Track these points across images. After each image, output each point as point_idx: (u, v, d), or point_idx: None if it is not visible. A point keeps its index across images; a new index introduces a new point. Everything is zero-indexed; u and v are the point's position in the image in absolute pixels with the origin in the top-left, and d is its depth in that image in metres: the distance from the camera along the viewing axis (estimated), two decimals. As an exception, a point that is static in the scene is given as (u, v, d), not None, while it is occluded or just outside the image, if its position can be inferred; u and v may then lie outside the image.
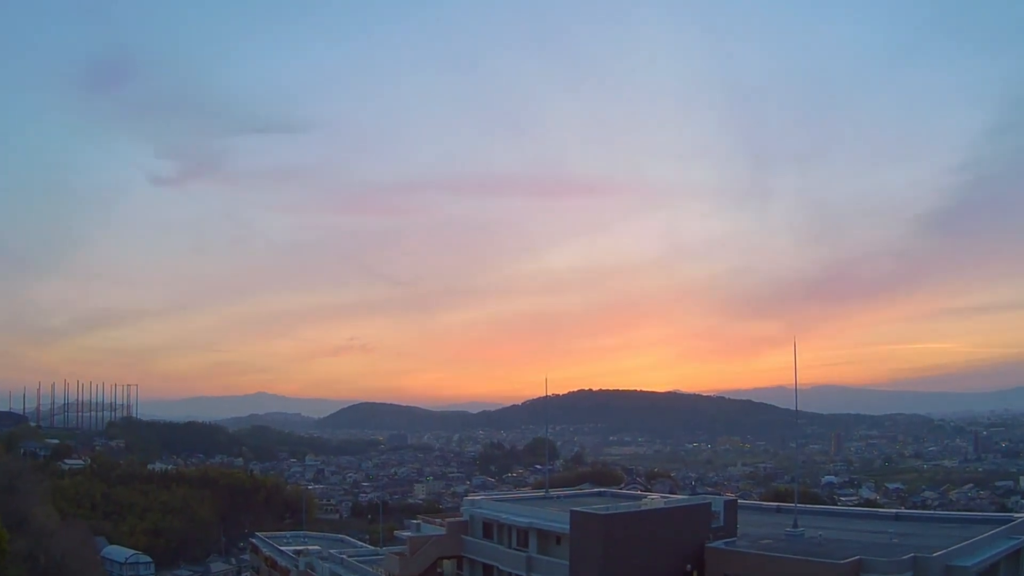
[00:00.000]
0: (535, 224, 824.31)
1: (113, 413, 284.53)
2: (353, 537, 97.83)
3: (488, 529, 49.07)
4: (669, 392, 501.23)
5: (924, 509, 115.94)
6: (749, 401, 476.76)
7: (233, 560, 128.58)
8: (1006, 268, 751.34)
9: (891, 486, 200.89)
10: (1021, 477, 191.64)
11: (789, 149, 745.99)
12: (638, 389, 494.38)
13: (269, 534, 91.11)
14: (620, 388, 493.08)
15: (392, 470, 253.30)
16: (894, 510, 65.71)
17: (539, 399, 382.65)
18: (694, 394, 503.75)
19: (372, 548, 77.79)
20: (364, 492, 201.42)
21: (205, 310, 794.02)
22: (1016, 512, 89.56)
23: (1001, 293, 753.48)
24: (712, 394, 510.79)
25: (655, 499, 49.21)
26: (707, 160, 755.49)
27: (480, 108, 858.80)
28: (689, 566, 36.95)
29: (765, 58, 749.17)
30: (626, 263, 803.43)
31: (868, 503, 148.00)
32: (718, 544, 38.17)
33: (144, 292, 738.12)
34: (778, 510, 53.70)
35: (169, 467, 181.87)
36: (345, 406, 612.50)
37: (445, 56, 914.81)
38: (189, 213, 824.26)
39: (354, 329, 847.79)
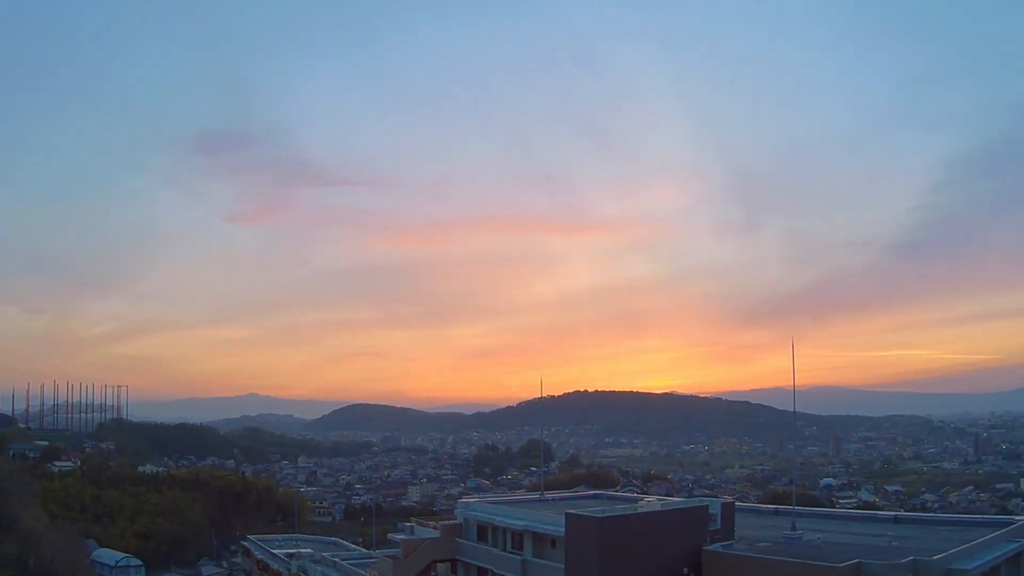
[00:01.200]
0: (555, 254, 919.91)
1: (103, 414, 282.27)
2: (346, 540, 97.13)
3: (483, 532, 48.58)
4: (666, 393, 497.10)
5: (924, 511, 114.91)
6: (747, 403, 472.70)
7: (225, 563, 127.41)
8: (978, 283, 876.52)
9: (890, 488, 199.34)
10: (1022, 479, 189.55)
11: (775, 200, 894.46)
12: (635, 390, 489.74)
13: (261, 537, 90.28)
14: (616, 389, 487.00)
15: (385, 472, 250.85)
16: (893, 512, 64.98)
17: (534, 400, 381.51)
18: (691, 396, 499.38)
19: (365, 551, 77.16)
20: (357, 494, 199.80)
21: (234, 323, 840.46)
22: (1016, 515, 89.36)
23: (976, 304, 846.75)
24: (709, 395, 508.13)
25: (651, 501, 48.73)
26: (707, 208, 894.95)
27: (518, 168, 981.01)
28: (686, 569, 36.38)
29: (755, 134, 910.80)
30: (630, 284, 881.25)
31: (867, 505, 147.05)
32: (715, 547, 37.67)
33: (184, 308, 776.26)
34: (776, 512, 53.25)
35: (160, 469, 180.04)
36: (338, 408, 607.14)
37: (493, 130, 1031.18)
38: (247, 245, 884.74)
39: (372, 340, 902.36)
